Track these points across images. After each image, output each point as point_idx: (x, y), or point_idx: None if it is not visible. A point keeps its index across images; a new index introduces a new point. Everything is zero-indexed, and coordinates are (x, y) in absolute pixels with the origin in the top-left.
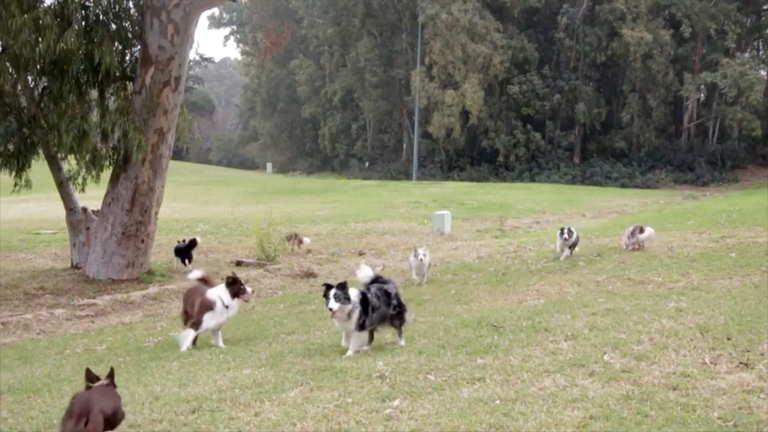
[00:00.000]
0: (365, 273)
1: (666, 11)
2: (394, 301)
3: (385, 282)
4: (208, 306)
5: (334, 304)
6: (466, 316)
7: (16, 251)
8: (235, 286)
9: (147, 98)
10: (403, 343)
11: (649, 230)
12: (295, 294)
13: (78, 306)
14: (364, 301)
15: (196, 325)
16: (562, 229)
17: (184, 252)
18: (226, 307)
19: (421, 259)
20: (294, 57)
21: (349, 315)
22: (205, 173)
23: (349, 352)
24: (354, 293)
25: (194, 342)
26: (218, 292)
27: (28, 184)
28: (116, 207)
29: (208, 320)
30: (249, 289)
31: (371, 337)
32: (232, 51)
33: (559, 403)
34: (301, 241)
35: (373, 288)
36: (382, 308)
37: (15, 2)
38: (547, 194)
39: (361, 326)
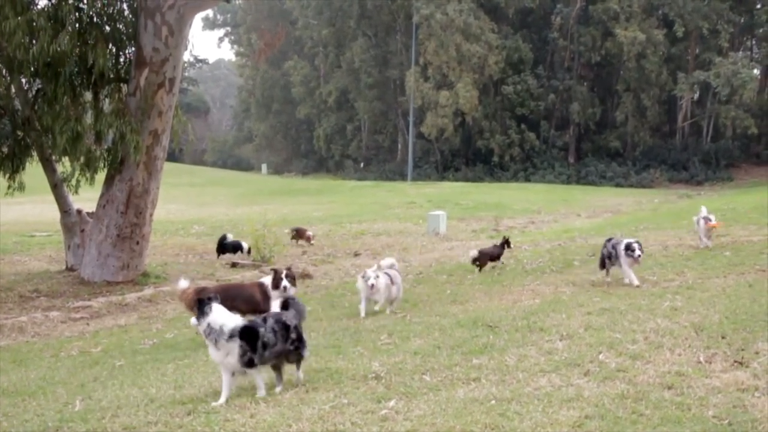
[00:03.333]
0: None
1: (659, 11)
2: (293, 335)
3: (292, 306)
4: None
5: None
6: (461, 317)
7: (10, 254)
8: (276, 279)
9: (141, 100)
10: (301, 377)
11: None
12: None
13: (73, 308)
14: (250, 334)
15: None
16: (628, 244)
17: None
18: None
19: (372, 285)
20: (288, 58)
21: (227, 353)
22: (200, 174)
23: (221, 400)
24: (231, 324)
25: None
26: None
27: (21, 187)
28: (111, 209)
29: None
30: (288, 284)
31: (279, 372)
32: (227, 52)
33: (555, 403)
34: (308, 238)
35: (270, 320)
36: (278, 345)
37: (8, 4)
38: (542, 194)
39: (248, 363)
